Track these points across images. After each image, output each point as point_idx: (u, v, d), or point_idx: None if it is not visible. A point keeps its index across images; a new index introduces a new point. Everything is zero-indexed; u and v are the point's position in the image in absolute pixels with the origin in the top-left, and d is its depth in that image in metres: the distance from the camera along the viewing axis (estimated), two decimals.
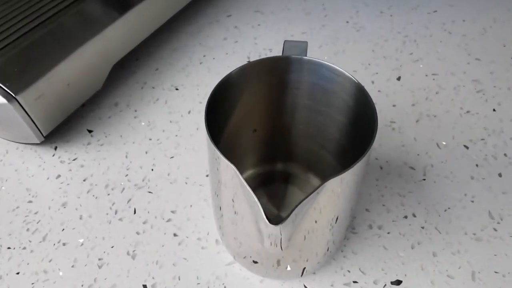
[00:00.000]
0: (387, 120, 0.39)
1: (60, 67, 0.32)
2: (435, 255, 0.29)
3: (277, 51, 0.46)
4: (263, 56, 0.46)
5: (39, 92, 0.30)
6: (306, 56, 0.27)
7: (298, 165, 0.33)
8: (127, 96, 0.42)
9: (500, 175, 0.34)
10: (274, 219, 0.18)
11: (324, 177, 0.31)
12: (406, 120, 0.39)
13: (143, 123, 0.39)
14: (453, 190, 0.33)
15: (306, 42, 0.27)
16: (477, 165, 0.35)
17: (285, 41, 0.27)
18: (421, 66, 0.44)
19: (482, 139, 0.37)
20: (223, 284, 0.28)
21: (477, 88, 0.41)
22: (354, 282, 0.28)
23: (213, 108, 0.24)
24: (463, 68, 0.44)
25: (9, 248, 0.30)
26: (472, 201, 0.32)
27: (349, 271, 0.28)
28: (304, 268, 0.26)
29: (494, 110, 0.39)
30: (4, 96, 0.28)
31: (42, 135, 0.33)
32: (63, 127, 0.39)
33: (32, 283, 0.28)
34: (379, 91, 0.41)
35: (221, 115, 0.26)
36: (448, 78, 0.43)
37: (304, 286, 0.28)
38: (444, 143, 0.37)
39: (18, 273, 0.28)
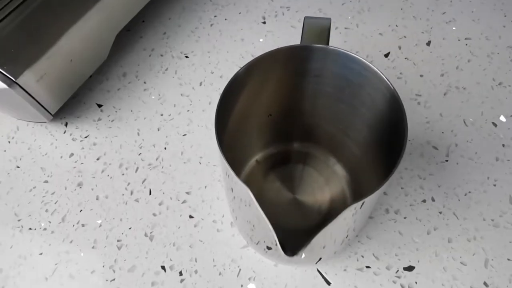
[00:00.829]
0: (413, 93, 0.35)
1: (61, 43, 0.28)
2: (450, 241, 0.28)
3: (294, 10, 0.41)
4: (280, 15, 0.41)
5: (40, 72, 0.27)
6: (329, 33, 0.23)
7: (317, 146, 0.31)
8: (135, 65, 0.38)
9: None
10: (289, 247, 0.16)
11: (345, 162, 0.29)
12: (433, 93, 0.35)
13: (153, 97, 0.36)
14: (476, 173, 0.31)
15: (329, 19, 0.23)
16: (503, 145, 0.32)
17: (305, 18, 0.23)
18: (454, 28, 0.39)
19: None
20: (238, 266, 0.28)
21: None
22: (367, 267, 0.27)
23: (225, 104, 0.21)
24: (499, 32, 0.38)
25: (30, 229, 0.30)
26: (494, 185, 0.30)
27: (362, 256, 0.28)
28: (320, 258, 0.25)
29: None
30: (3, 81, 0.25)
31: (51, 114, 0.31)
32: (71, 101, 0.36)
33: (56, 264, 0.28)
34: (406, 58, 0.37)
35: (233, 105, 0.23)
36: (481, 43, 0.37)
37: (318, 270, 0.27)
38: (472, 119, 0.33)
39: (41, 254, 0.29)
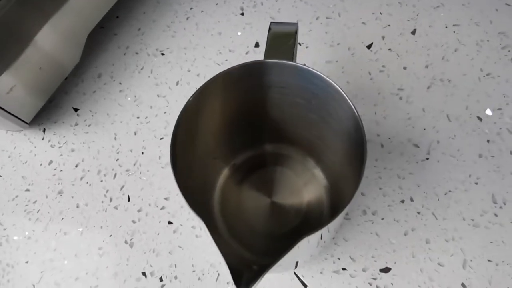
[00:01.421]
0: (395, 88, 0.33)
1: (27, 53, 0.27)
2: (428, 242, 0.27)
3: (272, 3, 0.38)
4: (258, 5, 0.38)
5: (9, 85, 0.26)
6: (296, 39, 0.21)
7: (294, 148, 0.29)
8: (110, 65, 0.36)
9: None
10: (245, 278, 0.16)
11: (323, 165, 0.28)
12: (416, 86, 0.33)
13: (129, 98, 0.35)
14: (457, 171, 0.29)
15: (295, 24, 0.21)
16: (488, 141, 0.30)
17: (271, 24, 0.21)
18: (442, 14, 0.36)
19: (499, 109, 0.31)
20: (217, 271, 0.27)
21: (503, 43, 0.34)
22: (343, 269, 0.27)
23: (182, 131, 0.20)
24: (490, 16, 0.35)
25: (15, 238, 0.30)
26: (476, 183, 0.29)
27: (339, 259, 0.27)
28: (297, 262, 0.25)
29: None
30: None
31: (26, 122, 0.30)
32: (48, 106, 0.35)
33: (41, 271, 0.28)
34: (389, 49, 0.34)
35: (195, 125, 0.22)
36: (471, 30, 0.35)
37: (295, 273, 0.27)
38: (456, 114, 0.31)
39: (27, 262, 0.29)
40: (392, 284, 0.26)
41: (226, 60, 0.36)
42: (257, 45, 0.36)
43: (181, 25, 0.38)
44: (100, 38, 0.38)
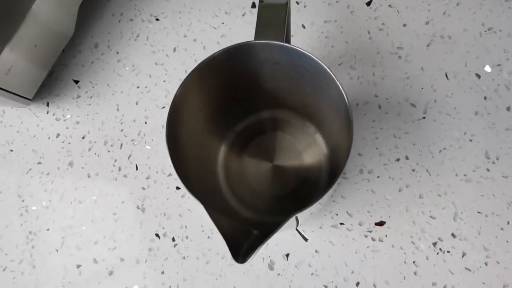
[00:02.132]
0: (394, 47, 0.35)
1: (20, 33, 0.29)
2: (421, 197, 0.32)
3: None
4: None
5: (6, 66, 0.29)
6: (287, 12, 0.23)
7: (294, 114, 0.33)
8: (105, 34, 0.39)
9: (508, 108, 0.33)
10: (243, 252, 0.19)
11: (323, 131, 0.32)
12: (416, 44, 0.35)
13: (127, 68, 0.38)
14: (453, 129, 0.33)
15: (284, 5, 0.23)
16: (485, 98, 0.33)
17: (260, 2, 0.23)
18: None
19: (499, 65, 0.34)
20: None
21: None
22: (341, 224, 0.32)
23: (179, 108, 0.23)
24: None
25: (34, 208, 0.35)
26: (471, 140, 0.33)
27: (337, 214, 0.32)
28: (298, 220, 0.29)
29: None
30: None
31: (29, 99, 0.34)
32: (48, 79, 0.38)
33: (62, 237, 0.34)
34: (389, 6, 0.36)
35: (189, 105, 0.25)
36: None
37: (296, 229, 0.32)
38: (454, 72, 0.34)
39: (48, 229, 0.34)
40: (386, 236, 0.31)
41: (223, 23, 0.38)
42: (253, 5, 0.38)
43: None
44: (92, 5, 0.40)
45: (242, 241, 0.21)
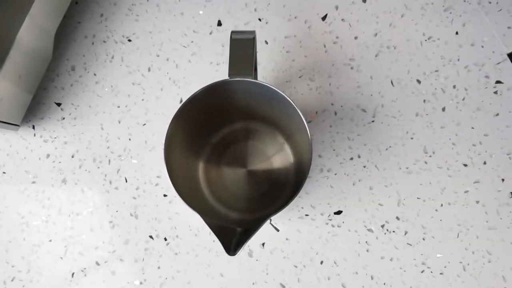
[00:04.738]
0: (347, 58, 0.55)
1: (8, 62, 0.47)
2: (371, 189, 0.53)
3: None
4: None
5: None
6: (254, 46, 0.43)
7: (264, 124, 0.53)
8: (81, 56, 0.57)
9: (443, 109, 0.54)
10: (234, 244, 0.40)
11: (290, 142, 0.52)
12: (365, 55, 0.55)
13: (106, 89, 0.56)
14: (397, 129, 0.54)
15: (253, 32, 0.42)
16: (424, 101, 0.54)
17: (232, 32, 0.42)
18: None
19: (436, 71, 0.55)
20: (208, 228, 0.53)
21: (446, 5, 0.56)
22: (306, 215, 0.52)
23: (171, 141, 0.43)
24: None
25: (34, 223, 0.54)
26: (412, 138, 0.54)
27: (302, 208, 0.53)
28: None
29: (456, 33, 0.55)
30: None
31: (17, 125, 0.52)
32: (31, 103, 0.56)
33: (65, 246, 0.53)
34: (342, 20, 0.56)
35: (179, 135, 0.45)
36: None
37: (269, 222, 0.52)
38: (398, 79, 0.55)
39: (50, 241, 0.53)
40: (343, 222, 0.52)
41: (192, 41, 0.57)
42: (219, 23, 0.57)
43: (142, 7, 0.58)
44: (65, 28, 0.58)
45: (230, 238, 0.41)
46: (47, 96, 0.57)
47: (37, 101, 0.57)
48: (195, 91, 0.42)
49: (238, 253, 0.38)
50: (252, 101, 0.46)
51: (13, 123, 0.53)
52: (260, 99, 0.45)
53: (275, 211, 0.40)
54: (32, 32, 0.50)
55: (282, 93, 0.41)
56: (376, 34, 0.56)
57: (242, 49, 0.43)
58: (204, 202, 0.49)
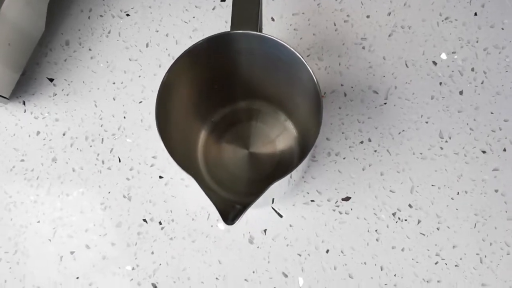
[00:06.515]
0: (358, 38, 0.54)
1: None
2: (382, 174, 0.51)
3: None
4: None
5: None
6: (260, 4, 0.41)
7: (267, 104, 0.51)
8: (76, 30, 0.56)
9: (461, 92, 0.52)
10: (231, 214, 0.38)
11: (294, 119, 0.50)
12: (378, 35, 0.54)
13: (101, 64, 0.55)
14: (411, 112, 0.52)
15: None
16: (440, 83, 0.53)
17: None
18: None
19: (453, 52, 0.53)
20: (207, 212, 0.51)
21: None
22: (312, 201, 0.51)
23: (163, 101, 0.41)
24: None
25: (22, 202, 0.52)
26: (427, 122, 0.52)
27: (308, 193, 0.51)
28: (273, 199, 0.48)
29: (475, 14, 0.54)
30: None
31: (6, 98, 0.51)
32: (22, 78, 0.55)
33: (53, 228, 0.51)
34: None
35: (172, 95, 0.43)
36: None
37: (272, 207, 0.51)
38: (413, 60, 0.53)
39: (38, 222, 0.52)
40: (351, 209, 0.50)
41: (194, 17, 0.56)
42: None
43: None
44: (60, 2, 0.57)
45: (229, 211, 0.39)
46: (39, 71, 0.56)
47: (29, 76, 0.56)
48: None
49: (236, 223, 0.36)
50: (255, 72, 0.45)
51: (2, 95, 0.52)
52: (265, 64, 0.43)
53: (280, 177, 0.38)
54: (19, 4, 0.49)
55: (290, 47, 0.39)
56: (389, 13, 0.55)
57: (247, 6, 0.41)
58: (199, 178, 0.48)
